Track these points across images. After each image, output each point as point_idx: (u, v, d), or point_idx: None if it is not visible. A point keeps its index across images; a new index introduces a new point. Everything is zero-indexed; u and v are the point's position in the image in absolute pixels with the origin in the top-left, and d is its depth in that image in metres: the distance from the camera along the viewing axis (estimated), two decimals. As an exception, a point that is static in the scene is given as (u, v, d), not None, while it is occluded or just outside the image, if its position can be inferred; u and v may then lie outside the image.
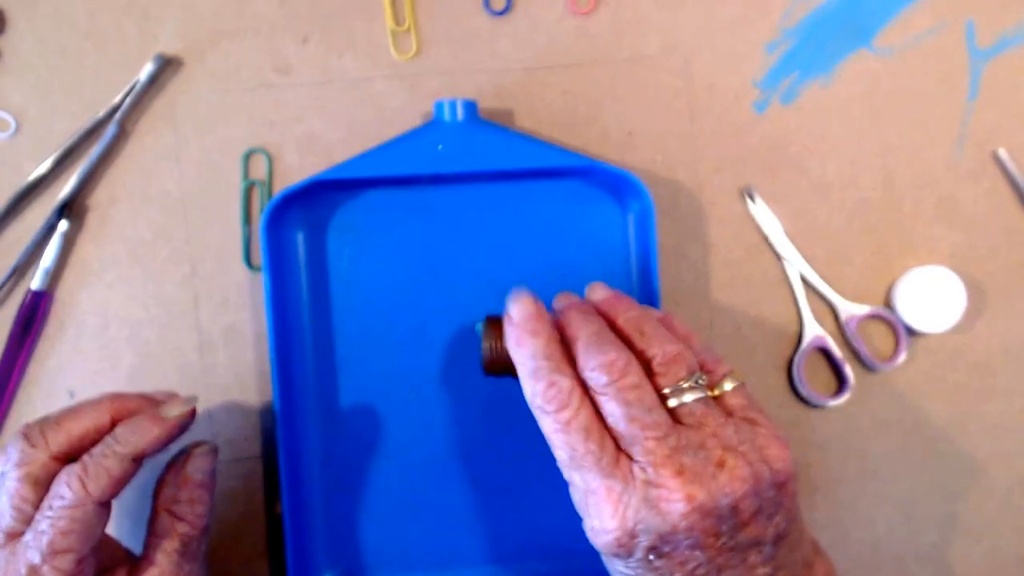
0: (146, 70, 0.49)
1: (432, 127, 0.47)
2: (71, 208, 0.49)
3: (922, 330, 0.51)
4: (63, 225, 0.48)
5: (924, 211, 0.51)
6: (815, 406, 0.51)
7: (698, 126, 0.51)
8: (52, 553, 0.35)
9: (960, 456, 0.52)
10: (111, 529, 0.39)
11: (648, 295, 0.48)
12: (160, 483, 0.41)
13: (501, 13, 0.50)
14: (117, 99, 0.49)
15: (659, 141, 0.51)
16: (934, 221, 0.52)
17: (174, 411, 0.40)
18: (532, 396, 0.36)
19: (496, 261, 0.49)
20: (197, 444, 0.42)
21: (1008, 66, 0.51)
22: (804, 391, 0.50)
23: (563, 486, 0.49)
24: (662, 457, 0.34)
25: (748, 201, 0.51)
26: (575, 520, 0.49)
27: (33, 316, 0.49)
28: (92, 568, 0.37)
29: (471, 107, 0.47)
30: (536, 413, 0.36)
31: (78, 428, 0.38)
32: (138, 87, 0.49)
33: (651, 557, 0.34)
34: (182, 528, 0.40)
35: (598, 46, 0.50)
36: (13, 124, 0.49)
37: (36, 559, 0.35)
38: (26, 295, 0.48)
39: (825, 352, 0.51)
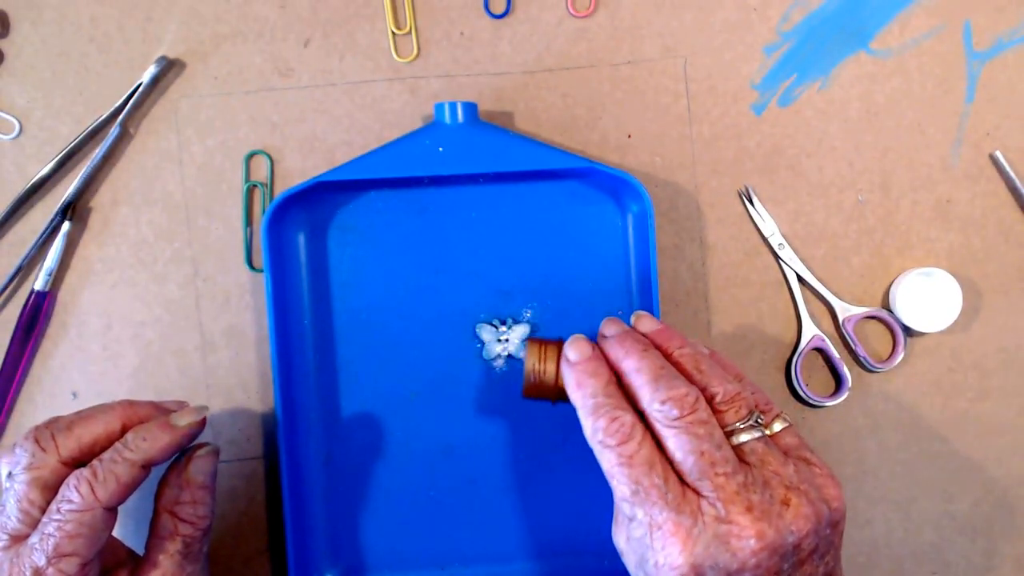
0: (149, 72, 0.49)
1: (432, 129, 0.47)
2: (74, 209, 0.49)
3: (919, 330, 0.51)
4: (66, 226, 0.49)
5: (921, 212, 0.52)
6: (813, 406, 0.52)
7: (697, 128, 0.51)
8: (57, 556, 0.35)
9: (957, 456, 0.52)
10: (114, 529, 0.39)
11: (647, 296, 0.48)
12: (162, 484, 0.41)
13: (501, 16, 0.50)
14: (120, 101, 0.49)
15: (658, 143, 0.51)
16: (931, 222, 0.52)
17: (185, 420, 0.40)
18: (594, 432, 0.36)
19: (496, 262, 0.49)
20: (198, 446, 0.42)
21: (1005, 68, 0.51)
22: (802, 391, 0.51)
23: (563, 486, 0.50)
24: (731, 493, 0.34)
25: (746, 203, 0.51)
26: (574, 520, 0.49)
27: (36, 316, 0.49)
28: (96, 571, 0.38)
29: (471, 109, 0.47)
30: (597, 449, 0.36)
31: (89, 434, 0.39)
32: (141, 89, 0.49)
33: None
34: (184, 529, 0.40)
35: (597, 49, 0.51)
36: (17, 126, 0.49)
37: (41, 562, 0.35)
38: (29, 295, 0.49)
39: (823, 352, 0.52)
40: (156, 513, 0.40)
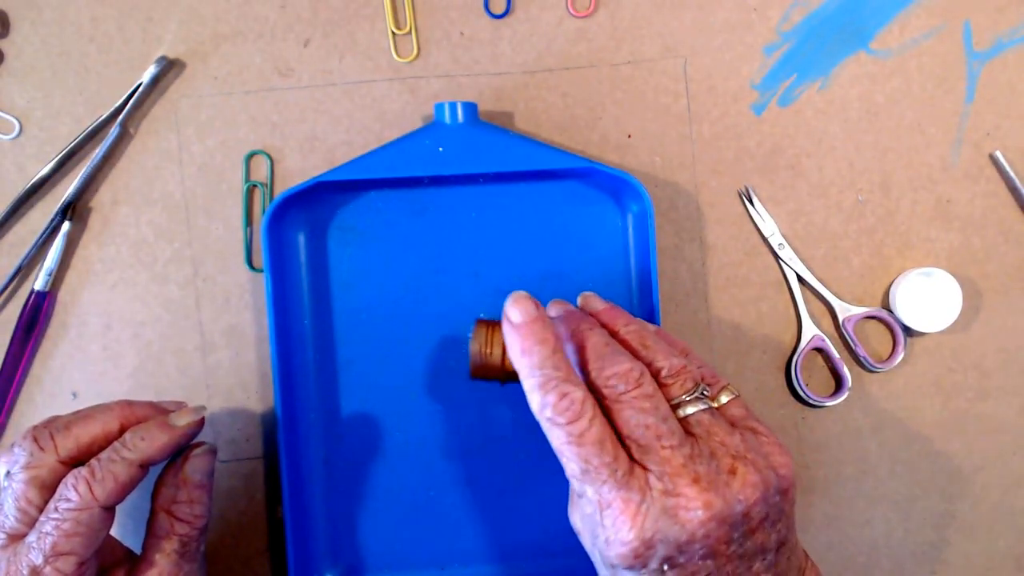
0: (149, 72, 0.49)
1: (432, 129, 0.47)
2: (74, 209, 0.49)
3: (919, 330, 0.51)
4: (66, 226, 0.49)
5: (921, 212, 0.52)
6: (813, 406, 0.52)
7: (696, 128, 0.51)
8: (55, 555, 0.36)
9: (957, 456, 0.52)
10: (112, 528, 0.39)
11: (647, 296, 0.48)
12: (159, 483, 0.41)
13: (501, 16, 0.50)
14: (120, 101, 0.49)
15: (658, 143, 0.51)
16: (931, 222, 0.52)
17: (183, 420, 0.40)
18: (542, 407, 0.35)
19: (496, 262, 0.49)
20: (195, 445, 0.42)
21: (1005, 68, 0.52)
22: (802, 391, 0.51)
23: (562, 486, 0.50)
24: (678, 466, 0.34)
25: (746, 203, 0.51)
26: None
27: (36, 316, 0.49)
28: (93, 570, 0.38)
29: (471, 109, 0.47)
30: (545, 425, 0.35)
31: (87, 434, 0.39)
32: (141, 89, 0.49)
33: (664, 567, 0.34)
34: (181, 529, 0.40)
35: (597, 49, 0.51)
36: (17, 126, 0.49)
37: (38, 560, 0.36)
38: (29, 295, 0.49)
39: (823, 352, 0.52)
40: (153, 512, 0.40)
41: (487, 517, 0.49)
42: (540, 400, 0.35)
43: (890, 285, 0.52)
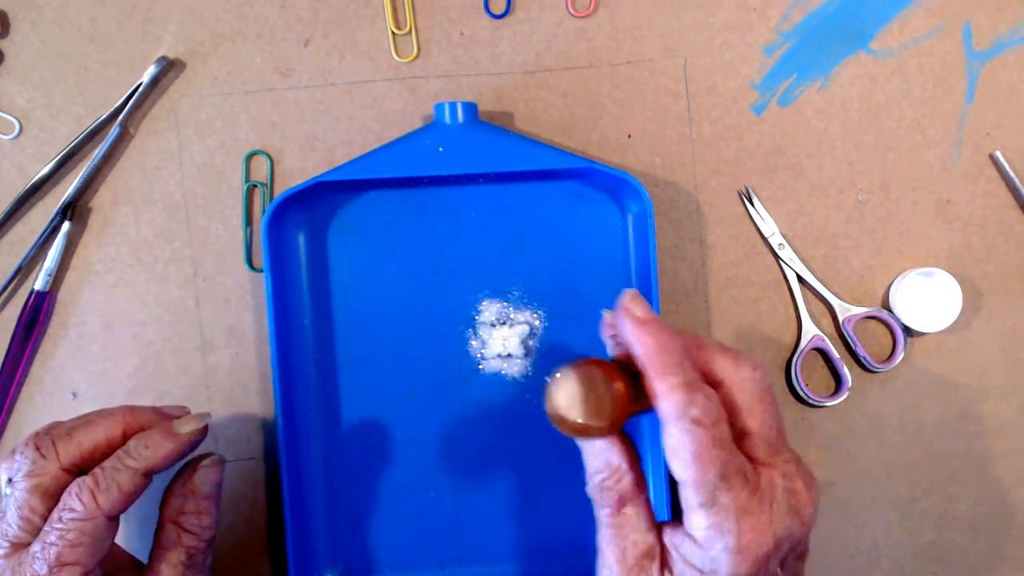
0: (148, 72, 0.49)
1: (432, 129, 0.47)
2: (74, 209, 0.49)
3: (919, 330, 0.51)
4: (66, 226, 0.49)
5: (921, 212, 0.52)
6: (813, 406, 0.52)
7: (697, 128, 0.51)
8: (59, 565, 0.35)
9: (957, 455, 0.52)
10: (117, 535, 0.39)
11: (647, 296, 0.48)
12: (167, 494, 0.41)
13: (501, 16, 0.50)
14: (120, 101, 0.49)
15: (658, 143, 0.51)
16: (931, 222, 0.52)
17: (187, 427, 0.39)
18: (687, 407, 0.32)
19: (496, 262, 0.49)
20: (204, 455, 0.41)
21: (1005, 68, 0.51)
22: (802, 391, 0.51)
23: (562, 486, 0.50)
24: (795, 463, 0.35)
25: (746, 202, 0.51)
26: (574, 520, 0.49)
27: (36, 316, 0.49)
28: None
29: (471, 109, 0.47)
30: (685, 427, 0.32)
31: (90, 440, 0.38)
32: (141, 89, 0.49)
33: (777, 571, 0.34)
34: (188, 540, 0.40)
35: (597, 49, 0.51)
36: (17, 126, 0.49)
37: (43, 570, 0.35)
38: (29, 295, 0.49)
39: (823, 352, 0.52)
40: (160, 523, 0.40)
41: (487, 517, 0.49)
42: (685, 400, 0.32)
43: (890, 285, 0.52)
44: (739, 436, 0.34)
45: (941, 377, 0.52)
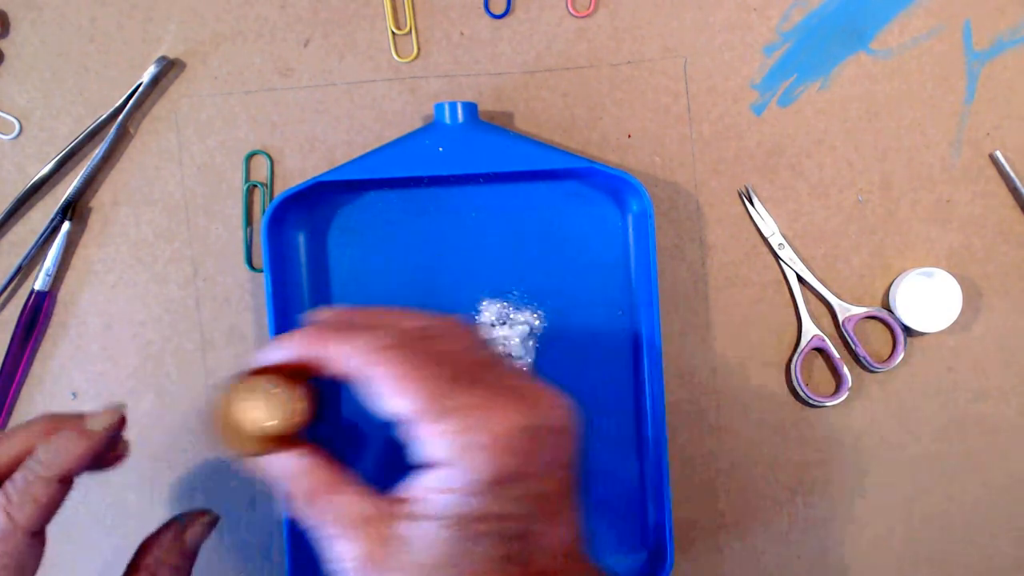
0: (148, 72, 0.49)
1: (432, 129, 0.47)
2: (74, 209, 0.49)
3: (919, 330, 0.51)
4: (66, 226, 0.49)
5: (921, 212, 0.52)
6: (813, 406, 0.52)
7: (696, 128, 0.51)
8: None
9: (957, 455, 0.52)
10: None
11: (647, 296, 0.48)
12: (149, 543, 0.38)
13: (501, 16, 0.50)
14: (120, 101, 0.49)
15: (658, 143, 0.51)
16: (931, 222, 0.52)
17: (100, 422, 0.36)
18: (370, 343, 0.33)
19: (496, 262, 0.49)
20: (201, 513, 0.39)
21: (1005, 68, 0.51)
22: (802, 391, 0.51)
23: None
24: (517, 372, 0.35)
25: (746, 202, 0.51)
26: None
27: (36, 316, 0.49)
28: None
29: (471, 109, 0.47)
30: (376, 357, 0.33)
31: (6, 454, 0.35)
32: (141, 89, 0.49)
33: (542, 467, 0.32)
34: None
35: (597, 49, 0.51)
36: (17, 126, 0.49)
37: None
38: (29, 295, 0.49)
39: (823, 352, 0.52)
40: (134, 568, 0.37)
41: (487, 517, 0.49)
42: (363, 339, 0.33)
43: (890, 285, 0.52)
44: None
45: (941, 377, 0.52)
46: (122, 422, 0.37)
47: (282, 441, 0.34)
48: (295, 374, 0.35)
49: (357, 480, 0.34)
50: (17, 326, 0.49)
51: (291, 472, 0.34)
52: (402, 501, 0.32)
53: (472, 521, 0.30)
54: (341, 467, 0.35)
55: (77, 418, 0.36)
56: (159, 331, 0.50)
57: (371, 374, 0.33)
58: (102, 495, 0.50)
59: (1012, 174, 0.51)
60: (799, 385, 0.51)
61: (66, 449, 0.35)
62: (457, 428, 0.31)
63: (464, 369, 0.33)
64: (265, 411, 0.33)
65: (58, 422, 0.36)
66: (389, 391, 0.32)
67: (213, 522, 0.39)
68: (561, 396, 0.33)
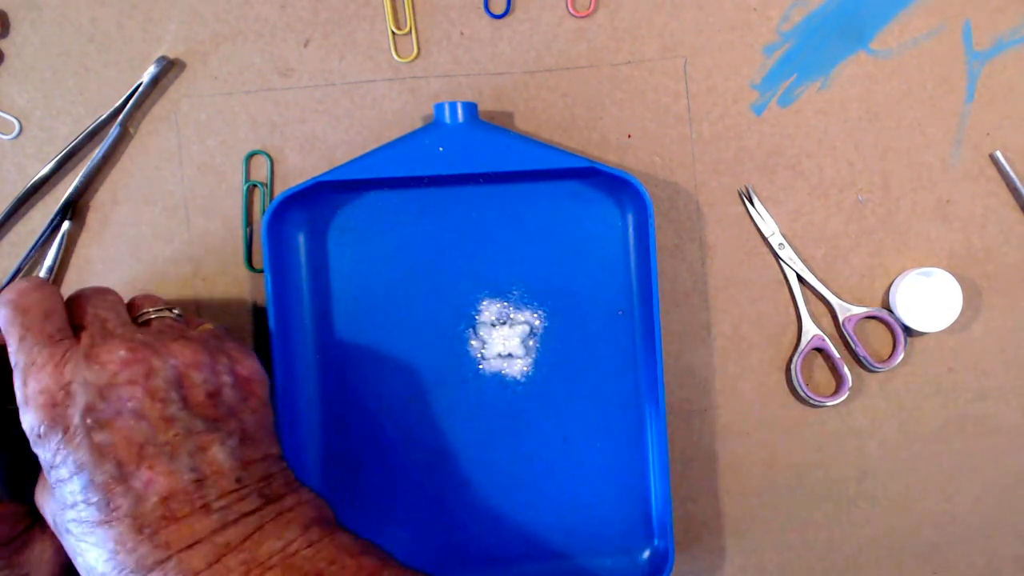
0: (148, 72, 0.49)
1: (432, 129, 0.47)
2: (74, 209, 0.49)
3: (919, 330, 0.51)
4: (66, 225, 0.49)
5: (921, 212, 0.52)
6: (813, 406, 0.52)
7: (696, 128, 0.51)
8: None
9: (957, 455, 0.52)
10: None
11: (647, 296, 0.48)
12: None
13: (501, 16, 0.50)
14: (120, 101, 0.49)
15: (658, 143, 0.51)
16: (931, 222, 0.52)
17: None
18: None
19: (496, 262, 0.49)
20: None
21: (1005, 68, 0.51)
22: (802, 391, 0.51)
23: (564, 485, 0.50)
24: (111, 329, 0.36)
25: (746, 202, 0.51)
26: (573, 520, 0.49)
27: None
28: None
29: (471, 109, 0.47)
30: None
31: None
32: (141, 89, 0.49)
33: (89, 421, 0.33)
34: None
35: (597, 49, 0.51)
36: (17, 126, 0.49)
37: None
38: (29, 296, 0.49)
39: (823, 352, 0.52)
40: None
41: (486, 517, 0.49)
42: None
43: (890, 285, 0.52)
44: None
45: (941, 377, 0.52)
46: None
47: None
48: None
49: None
50: (17, 326, 0.49)
51: None
52: None
53: None
54: None
55: None
56: (159, 331, 0.50)
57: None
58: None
59: (1012, 174, 0.51)
60: (799, 385, 0.51)
61: None
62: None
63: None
64: None
65: None
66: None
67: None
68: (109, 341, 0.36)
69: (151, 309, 0.39)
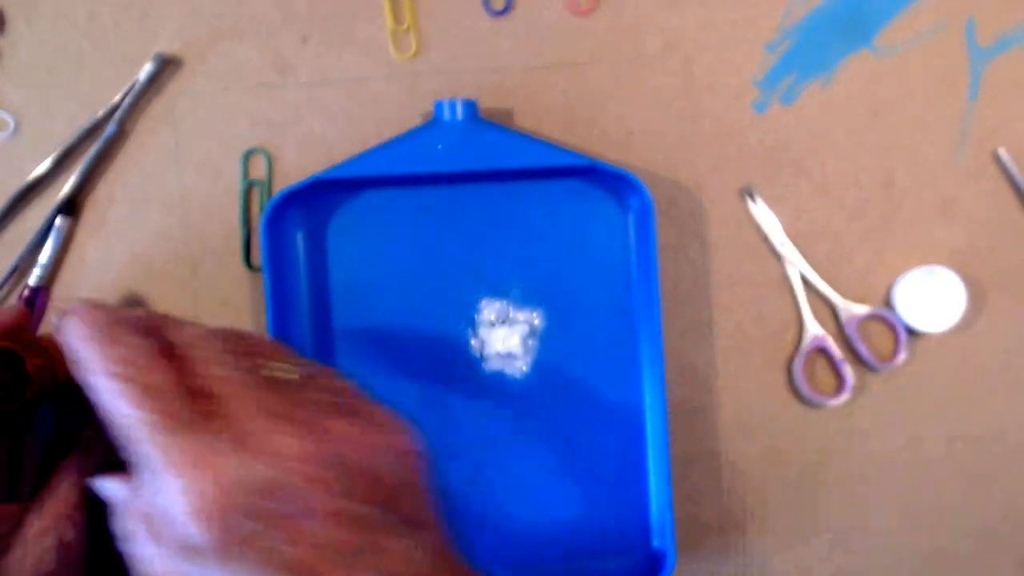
0: (145, 70, 0.49)
1: (432, 127, 0.47)
2: (70, 207, 0.49)
3: (922, 330, 0.51)
4: (59, 221, 0.48)
5: (924, 211, 0.51)
6: (815, 406, 0.51)
7: (698, 126, 0.51)
8: None
9: (959, 456, 0.52)
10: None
11: (648, 295, 0.48)
12: None
13: (501, 13, 0.50)
14: (116, 99, 0.49)
15: (659, 141, 0.51)
16: (934, 221, 0.52)
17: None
18: (100, 363, 0.29)
19: (496, 260, 0.49)
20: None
21: (1009, 65, 0.51)
22: (804, 391, 0.50)
23: (564, 488, 0.50)
24: (279, 416, 0.29)
25: (748, 201, 0.51)
26: (574, 520, 0.49)
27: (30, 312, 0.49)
28: None
29: (471, 107, 0.47)
30: (96, 382, 0.29)
31: None
32: (137, 87, 0.49)
33: (255, 527, 0.27)
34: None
35: (598, 46, 0.50)
36: (12, 124, 0.49)
37: None
38: (23, 290, 0.48)
39: (825, 352, 0.51)
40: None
41: (486, 516, 0.49)
42: (98, 355, 0.29)
43: (893, 284, 0.51)
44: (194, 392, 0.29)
45: (944, 377, 0.52)
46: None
47: None
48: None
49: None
50: (13, 325, 0.49)
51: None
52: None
53: None
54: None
55: None
56: (157, 330, 0.50)
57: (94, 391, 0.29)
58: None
59: (1016, 172, 0.51)
60: (801, 385, 0.50)
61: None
62: (154, 469, 0.28)
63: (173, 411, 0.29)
64: None
65: None
66: (107, 410, 0.29)
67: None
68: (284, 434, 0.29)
69: (278, 365, 0.32)
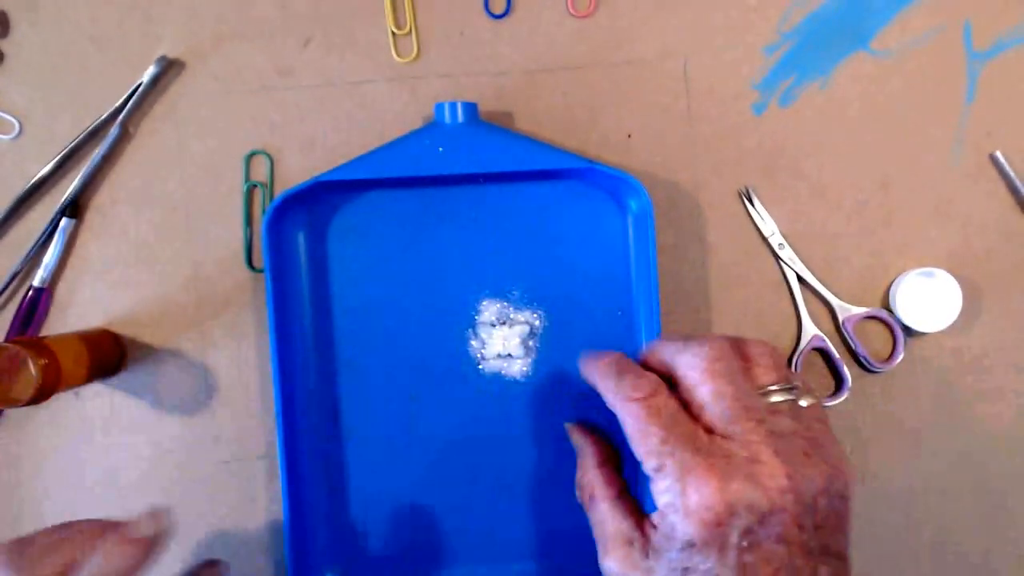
0: (148, 72, 0.49)
1: (432, 129, 0.47)
2: (74, 209, 0.49)
3: (919, 330, 0.51)
4: (64, 222, 0.49)
5: (921, 213, 0.52)
6: (813, 406, 0.52)
7: (697, 128, 0.51)
8: None
9: (957, 455, 0.52)
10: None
11: (647, 296, 0.48)
12: None
13: (501, 16, 0.50)
14: (120, 101, 0.49)
15: (658, 143, 0.51)
16: (931, 223, 0.52)
17: (145, 528, 0.34)
18: (618, 389, 0.36)
19: (496, 262, 0.49)
20: (216, 561, 0.39)
21: (1005, 68, 0.51)
22: (802, 391, 0.50)
23: (563, 485, 0.50)
24: (763, 435, 0.34)
25: (746, 202, 0.51)
26: (574, 519, 0.49)
27: (33, 311, 0.49)
28: None
29: (471, 109, 0.47)
30: (621, 406, 0.35)
31: (52, 567, 0.33)
32: (141, 89, 0.49)
33: (744, 543, 0.33)
34: None
35: (598, 49, 0.51)
36: (17, 126, 0.49)
37: None
38: (27, 291, 0.49)
39: (823, 352, 0.52)
40: None
41: (486, 516, 0.49)
42: (616, 383, 0.36)
43: (890, 285, 0.52)
44: (697, 410, 0.35)
45: (941, 377, 0.52)
46: (163, 523, 0.35)
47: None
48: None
49: (617, 490, 0.38)
50: (14, 320, 0.49)
51: (579, 465, 0.40)
52: (644, 532, 0.36)
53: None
54: (613, 473, 0.39)
55: (122, 525, 0.35)
56: (158, 331, 0.50)
57: (617, 413, 0.36)
58: (102, 495, 0.50)
59: (1012, 174, 0.51)
60: (799, 385, 0.51)
61: (114, 561, 0.33)
62: (666, 486, 0.34)
63: (685, 432, 0.35)
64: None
65: (102, 528, 0.35)
66: (628, 434, 0.35)
67: (227, 567, 0.40)
68: (784, 464, 0.34)
69: (772, 385, 0.36)
